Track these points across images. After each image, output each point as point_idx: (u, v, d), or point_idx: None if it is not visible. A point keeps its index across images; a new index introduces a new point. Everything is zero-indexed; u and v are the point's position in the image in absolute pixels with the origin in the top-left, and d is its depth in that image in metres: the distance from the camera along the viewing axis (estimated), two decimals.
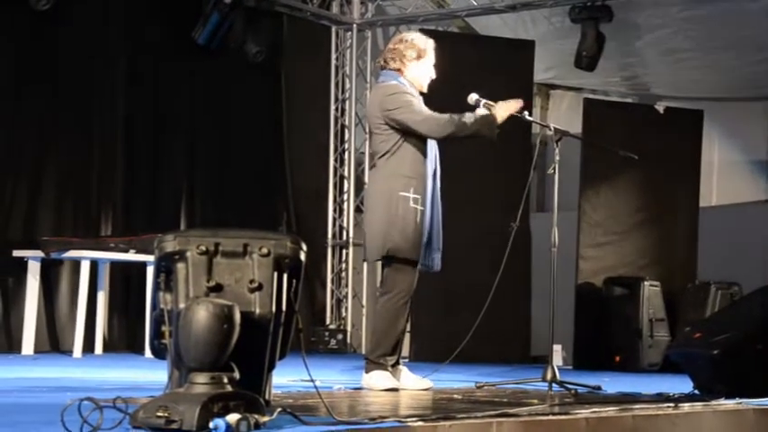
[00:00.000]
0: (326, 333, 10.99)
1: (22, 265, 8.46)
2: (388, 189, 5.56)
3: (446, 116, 5.57)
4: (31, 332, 8.34)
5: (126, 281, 9.37)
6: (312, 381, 3.75)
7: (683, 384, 5.53)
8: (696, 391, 5.21)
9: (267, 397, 3.48)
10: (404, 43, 5.73)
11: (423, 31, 6.19)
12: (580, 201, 9.64)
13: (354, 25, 11.65)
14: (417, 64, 5.71)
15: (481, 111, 5.62)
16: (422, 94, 5.76)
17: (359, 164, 11.51)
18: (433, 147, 5.69)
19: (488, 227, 8.60)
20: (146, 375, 5.99)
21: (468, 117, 5.56)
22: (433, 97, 5.87)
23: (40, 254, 8.34)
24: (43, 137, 8.99)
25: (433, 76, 5.77)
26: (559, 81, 11.99)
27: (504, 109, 5.63)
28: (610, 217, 9.77)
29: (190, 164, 10.17)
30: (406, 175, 5.55)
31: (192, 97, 10.23)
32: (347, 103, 11.68)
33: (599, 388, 5.69)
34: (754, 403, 4.77)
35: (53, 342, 8.87)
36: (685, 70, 10.90)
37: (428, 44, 5.75)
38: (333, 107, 11.65)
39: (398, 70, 5.70)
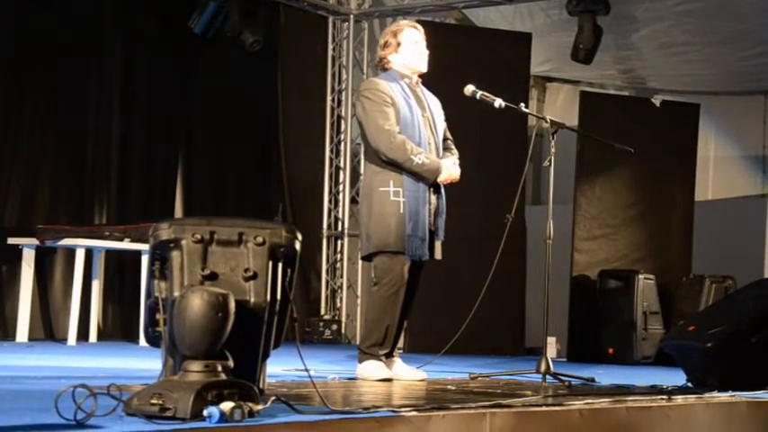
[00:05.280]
0: (321, 323, 11.00)
1: (16, 252, 8.45)
2: (369, 186, 5.59)
3: (401, 139, 5.48)
4: (26, 320, 8.34)
5: (121, 269, 9.39)
6: (306, 370, 3.75)
7: (676, 377, 5.54)
8: (689, 384, 5.22)
9: (261, 386, 3.48)
10: (380, 47, 5.76)
11: (419, 22, 6.14)
12: (576, 193, 9.64)
13: (351, 16, 11.63)
14: (398, 53, 5.69)
15: (429, 160, 5.53)
16: (421, 76, 5.76)
17: (354, 155, 11.47)
18: (418, 134, 5.58)
19: (484, 219, 8.63)
20: (140, 363, 6.00)
21: (419, 157, 5.49)
22: (431, 88, 5.87)
23: (34, 242, 8.33)
24: (39, 125, 8.98)
25: (425, 52, 5.72)
26: (556, 74, 11.98)
27: (448, 172, 5.59)
28: (605, 210, 9.77)
29: (185, 153, 10.16)
30: (385, 170, 5.53)
31: (188, 87, 10.22)
32: (343, 93, 11.66)
33: (592, 380, 5.70)
34: (747, 396, 4.77)
35: (47, 330, 8.88)
36: (682, 64, 10.90)
37: (399, 29, 5.73)
38: (329, 98, 11.63)
39: (388, 69, 5.72)
